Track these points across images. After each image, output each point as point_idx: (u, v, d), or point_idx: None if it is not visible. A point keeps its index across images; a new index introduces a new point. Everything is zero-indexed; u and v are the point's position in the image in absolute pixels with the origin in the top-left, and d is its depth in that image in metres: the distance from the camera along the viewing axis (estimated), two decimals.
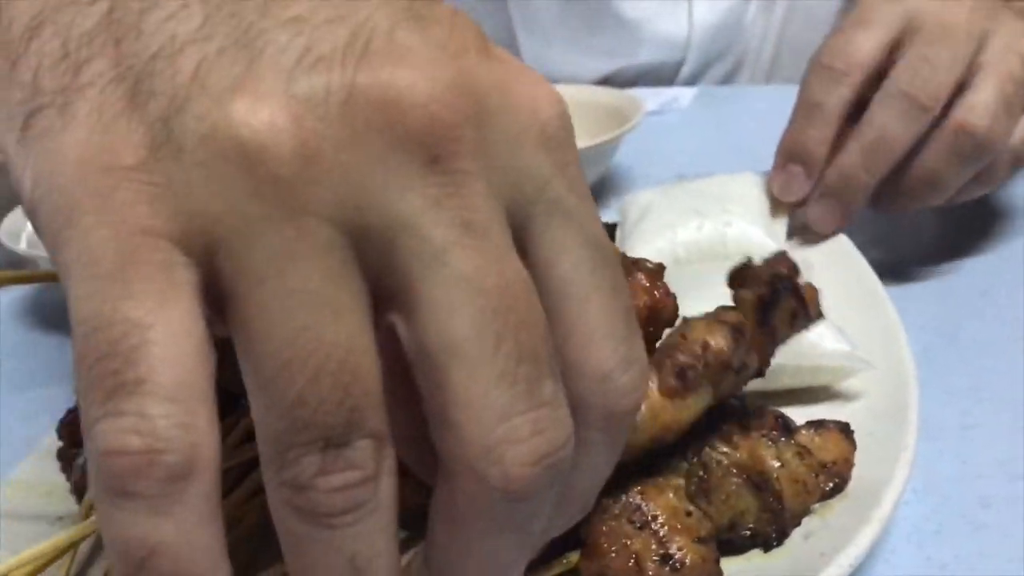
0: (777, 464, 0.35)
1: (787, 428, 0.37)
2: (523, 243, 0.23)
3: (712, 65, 1.02)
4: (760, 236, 0.51)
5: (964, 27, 0.50)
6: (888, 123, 0.50)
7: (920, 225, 0.61)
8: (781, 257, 0.36)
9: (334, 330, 0.20)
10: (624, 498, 0.34)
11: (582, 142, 0.74)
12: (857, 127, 0.52)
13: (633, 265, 0.38)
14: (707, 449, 0.35)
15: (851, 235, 0.53)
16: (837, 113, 0.52)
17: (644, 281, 0.38)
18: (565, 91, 0.80)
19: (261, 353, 0.20)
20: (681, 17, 0.98)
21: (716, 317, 0.34)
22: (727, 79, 1.02)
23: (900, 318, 0.49)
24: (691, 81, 1.02)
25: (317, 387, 0.20)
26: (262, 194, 0.20)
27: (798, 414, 0.41)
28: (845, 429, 0.38)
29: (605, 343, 0.24)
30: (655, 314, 0.37)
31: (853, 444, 0.38)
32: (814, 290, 0.36)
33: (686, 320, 0.34)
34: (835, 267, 0.51)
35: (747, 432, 0.36)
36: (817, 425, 0.38)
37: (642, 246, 0.53)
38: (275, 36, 0.21)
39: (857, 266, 0.51)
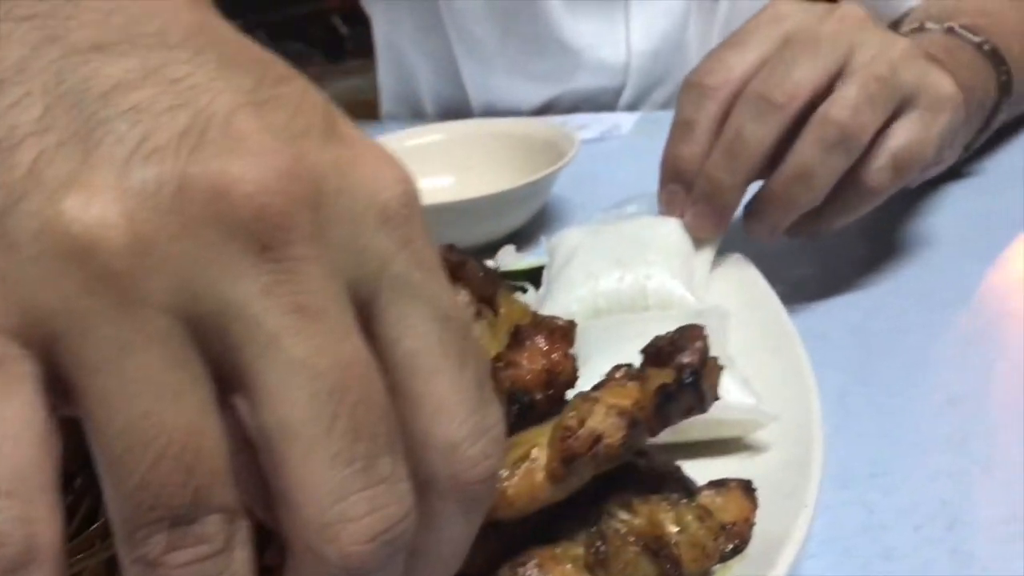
0: (676, 529, 0.35)
1: (687, 490, 0.37)
2: (368, 321, 0.24)
3: (654, 89, 1.02)
4: (680, 291, 0.51)
5: (830, 37, 0.52)
6: (743, 123, 0.52)
7: (839, 263, 0.62)
8: (694, 334, 0.36)
9: (174, 414, 0.21)
10: (522, 570, 0.34)
11: (514, 180, 0.75)
12: (721, 134, 0.53)
13: (540, 325, 0.38)
14: (606, 516, 0.35)
15: (770, 275, 0.54)
16: (707, 128, 0.54)
17: (543, 344, 0.38)
18: (500, 124, 0.83)
19: (105, 439, 0.21)
20: (619, 43, 0.98)
21: (616, 397, 0.34)
22: (669, 103, 1.03)
23: (815, 359, 0.49)
24: (633, 106, 1.02)
25: (159, 470, 0.21)
26: (95, 288, 0.21)
27: (705, 467, 0.41)
28: (747, 487, 0.38)
29: (453, 415, 0.24)
30: (553, 377, 0.37)
31: (754, 503, 0.38)
32: (717, 370, 0.36)
33: (584, 397, 0.34)
34: (751, 310, 0.51)
35: (646, 496, 0.36)
36: (719, 485, 0.38)
37: (565, 294, 0.53)
38: (114, 126, 0.22)
39: (772, 308, 0.51)
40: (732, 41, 0.55)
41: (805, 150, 0.51)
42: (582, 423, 0.32)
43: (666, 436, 0.40)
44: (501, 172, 0.79)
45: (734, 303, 0.51)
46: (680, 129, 0.55)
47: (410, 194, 0.25)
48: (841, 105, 0.51)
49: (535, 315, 0.43)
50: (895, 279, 0.59)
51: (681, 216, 0.55)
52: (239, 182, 0.22)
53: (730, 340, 0.49)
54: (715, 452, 0.43)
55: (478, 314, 0.41)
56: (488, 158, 0.80)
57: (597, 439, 0.32)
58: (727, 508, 0.37)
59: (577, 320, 0.52)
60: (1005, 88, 0.67)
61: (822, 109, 0.51)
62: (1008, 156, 0.75)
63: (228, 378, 0.22)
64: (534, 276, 0.59)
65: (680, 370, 0.34)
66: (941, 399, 0.48)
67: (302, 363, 0.22)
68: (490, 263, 0.62)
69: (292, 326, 0.22)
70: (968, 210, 0.67)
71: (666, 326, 0.45)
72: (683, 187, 0.55)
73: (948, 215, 0.66)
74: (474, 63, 1.03)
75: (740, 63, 0.53)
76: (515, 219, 0.72)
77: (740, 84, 0.53)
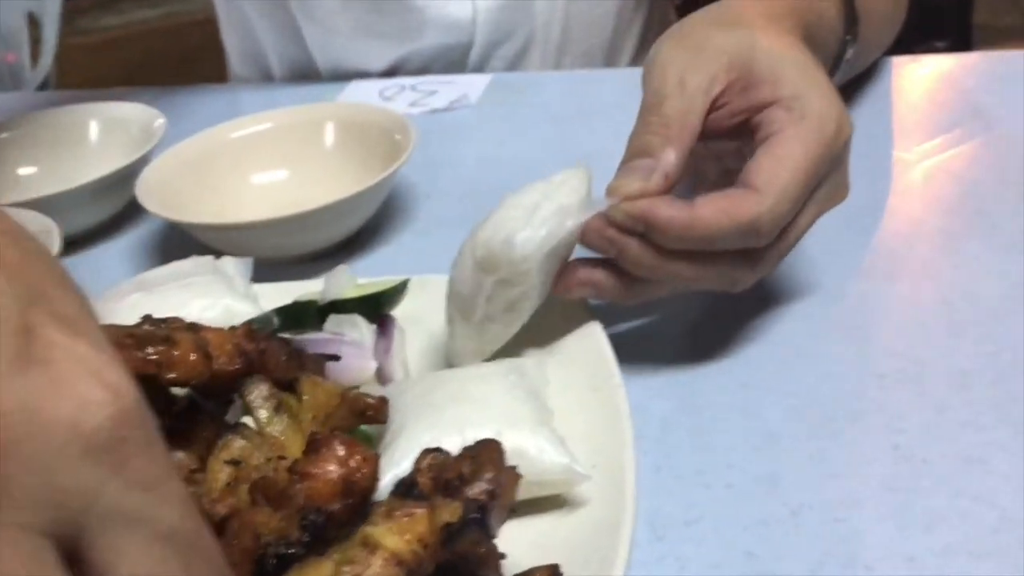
0: None
1: None
2: (85, 551, 0.23)
3: (501, 45, 0.99)
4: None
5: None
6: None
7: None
8: (491, 455, 0.37)
9: None
10: None
11: (351, 173, 0.73)
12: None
13: (331, 438, 0.37)
14: None
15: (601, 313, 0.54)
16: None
17: (340, 451, 0.37)
18: (333, 111, 0.79)
19: None
20: None
21: (401, 533, 0.33)
22: (518, 58, 1.00)
23: (642, 400, 0.50)
24: (482, 63, 1.00)
25: None
26: None
27: (520, 526, 0.42)
28: (554, 572, 0.39)
29: None
30: (351, 485, 0.37)
31: None
32: (514, 484, 0.36)
33: (364, 540, 0.33)
34: (581, 354, 0.51)
35: None
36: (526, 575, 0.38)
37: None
38: None
39: (596, 338, 0.51)
40: None
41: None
42: (362, 565, 0.32)
43: None
44: (337, 164, 0.76)
45: (565, 346, 0.51)
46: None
47: (123, 412, 0.23)
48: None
49: (343, 396, 0.42)
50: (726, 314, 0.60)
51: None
52: None
53: (550, 379, 0.49)
54: (530, 510, 0.43)
55: (278, 407, 0.40)
56: (322, 149, 0.77)
57: None
58: None
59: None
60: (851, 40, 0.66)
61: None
62: None
63: None
64: (368, 305, 0.57)
65: (468, 505, 0.34)
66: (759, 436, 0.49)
67: None
68: (316, 288, 0.60)
69: None
70: None
71: (477, 387, 0.45)
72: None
73: None
74: (315, 25, 0.98)
75: None
76: (354, 222, 0.70)
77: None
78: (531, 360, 0.49)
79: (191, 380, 0.38)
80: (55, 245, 0.65)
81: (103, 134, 0.85)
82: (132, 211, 0.77)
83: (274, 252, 0.68)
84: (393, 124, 0.74)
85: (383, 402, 0.43)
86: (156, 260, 0.74)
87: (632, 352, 0.55)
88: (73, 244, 0.76)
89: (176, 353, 0.37)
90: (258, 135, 0.78)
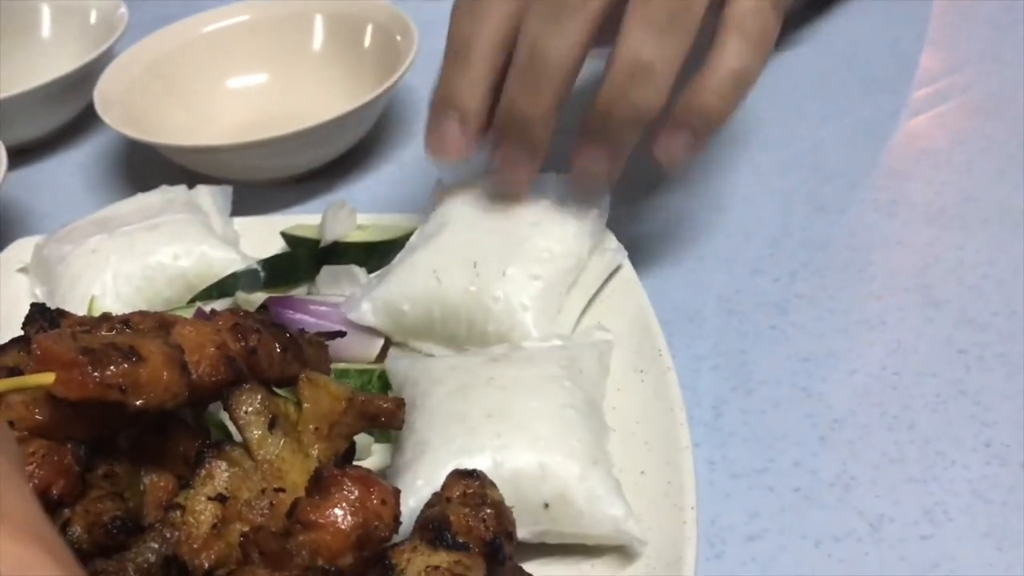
0: None
1: None
2: None
3: None
4: (526, 326, 0.42)
5: None
6: (537, 36, 0.42)
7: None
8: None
9: None
10: None
11: (339, 79, 0.63)
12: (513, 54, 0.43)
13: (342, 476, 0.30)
14: None
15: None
16: (489, 48, 0.44)
17: (353, 492, 0.30)
18: (333, 2, 0.68)
19: None
20: None
21: None
22: None
23: (689, 375, 0.43)
24: None
25: None
26: None
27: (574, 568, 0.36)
28: None
29: None
30: (368, 534, 0.30)
31: None
32: None
33: None
34: (625, 326, 0.44)
35: None
36: None
37: (401, 283, 0.45)
38: None
39: (648, 329, 0.43)
40: None
41: (632, 41, 0.40)
42: None
43: (530, 535, 0.35)
44: (325, 66, 0.67)
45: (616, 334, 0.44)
46: (454, 54, 0.44)
47: None
48: None
49: (351, 400, 0.35)
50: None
51: (456, 155, 0.44)
52: None
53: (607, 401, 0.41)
54: (585, 553, 0.37)
55: (273, 422, 0.33)
56: (308, 48, 0.68)
57: None
58: None
59: (408, 321, 0.44)
60: None
61: None
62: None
63: None
64: (370, 254, 0.50)
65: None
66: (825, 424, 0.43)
67: None
68: (304, 223, 0.52)
69: None
70: None
71: (521, 400, 0.38)
72: (460, 119, 0.43)
73: None
74: None
75: None
76: (347, 141, 0.61)
77: None
78: (592, 346, 0.41)
79: (164, 404, 0.30)
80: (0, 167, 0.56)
81: (56, 24, 0.74)
82: (89, 116, 0.68)
83: (254, 175, 0.60)
84: (392, 21, 0.64)
85: (398, 406, 0.35)
86: (117, 174, 0.65)
87: (674, 315, 0.48)
88: (21, 154, 0.66)
89: (143, 372, 0.30)
90: (235, 29, 0.67)
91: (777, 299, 0.49)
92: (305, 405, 0.34)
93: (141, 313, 0.34)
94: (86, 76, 0.65)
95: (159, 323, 0.33)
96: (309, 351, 0.37)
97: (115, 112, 0.60)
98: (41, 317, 0.38)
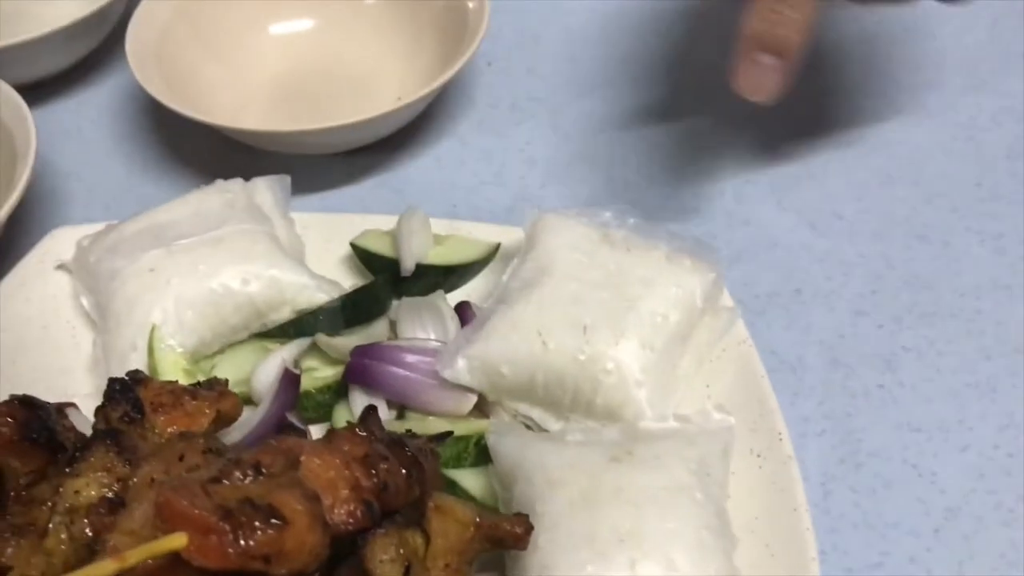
0: None
1: None
2: None
3: None
4: (637, 401, 0.40)
5: None
6: None
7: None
8: None
9: None
10: None
11: (391, 50, 0.57)
12: None
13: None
14: None
15: None
16: None
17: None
18: None
19: None
20: None
21: None
22: None
23: (794, 439, 0.41)
24: None
25: None
26: None
27: None
28: None
29: None
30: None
31: None
32: None
33: None
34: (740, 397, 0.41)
35: None
36: None
37: (502, 340, 0.41)
38: None
39: (765, 405, 0.41)
40: None
41: None
42: None
43: None
44: (375, 15, 0.60)
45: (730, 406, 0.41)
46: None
47: None
48: None
49: (478, 526, 0.32)
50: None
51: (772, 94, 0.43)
52: None
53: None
54: None
55: (408, 570, 0.30)
56: None
57: None
58: None
59: (507, 383, 0.41)
60: None
61: None
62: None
63: None
64: (448, 273, 0.46)
65: None
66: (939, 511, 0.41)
67: None
68: (369, 225, 0.48)
69: None
70: None
71: (655, 520, 0.35)
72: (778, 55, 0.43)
73: None
74: None
75: None
76: (408, 116, 0.55)
77: None
78: (716, 438, 0.39)
79: (307, 568, 0.27)
80: (31, 139, 0.50)
81: None
82: (113, 45, 0.61)
83: (303, 150, 0.55)
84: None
85: (526, 529, 0.33)
86: (143, 125, 0.59)
87: (775, 360, 0.46)
88: (36, 88, 0.60)
89: (288, 539, 0.26)
90: None
91: (883, 351, 0.46)
92: (437, 540, 0.31)
93: (267, 448, 0.30)
94: (108, 12, 0.59)
95: (286, 458, 0.29)
96: (428, 469, 0.33)
97: (151, 67, 0.54)
98: (123, 399, 0.34)
